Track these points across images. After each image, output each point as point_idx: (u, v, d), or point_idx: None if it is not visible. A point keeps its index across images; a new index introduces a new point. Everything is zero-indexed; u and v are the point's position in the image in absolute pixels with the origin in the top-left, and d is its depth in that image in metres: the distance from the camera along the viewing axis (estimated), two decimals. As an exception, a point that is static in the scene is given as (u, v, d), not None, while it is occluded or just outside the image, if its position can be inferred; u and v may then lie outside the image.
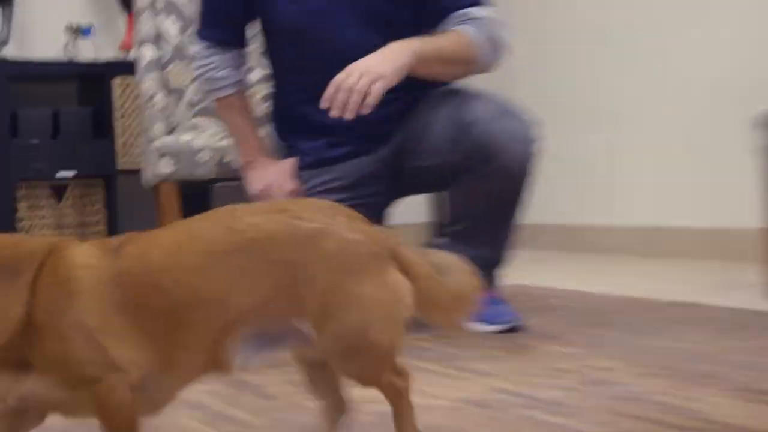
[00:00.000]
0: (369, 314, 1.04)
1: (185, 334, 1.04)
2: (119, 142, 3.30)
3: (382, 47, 1.64)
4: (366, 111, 1.60)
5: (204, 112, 2.80)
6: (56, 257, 1.05)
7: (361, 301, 1.03)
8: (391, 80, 1.60)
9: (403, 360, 1.07)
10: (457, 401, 1.28)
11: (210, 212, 1.11)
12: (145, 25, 2.74)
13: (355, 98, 1.57)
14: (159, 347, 1.05)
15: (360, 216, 1.08)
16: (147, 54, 2.70)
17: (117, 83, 3.28)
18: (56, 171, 3.28)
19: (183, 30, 2.79)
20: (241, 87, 1.91)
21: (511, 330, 1.76)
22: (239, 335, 1.05)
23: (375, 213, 1.72)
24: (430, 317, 1.11)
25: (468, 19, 1.77)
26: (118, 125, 3.30)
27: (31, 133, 3.26)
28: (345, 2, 1.78)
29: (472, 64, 1.80)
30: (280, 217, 1.06)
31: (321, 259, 1.02)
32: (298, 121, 1.87)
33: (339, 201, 1.21)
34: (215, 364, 1.06)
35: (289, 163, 1.85)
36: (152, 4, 2.76)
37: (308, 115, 1.80)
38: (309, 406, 1.19)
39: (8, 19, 3.27)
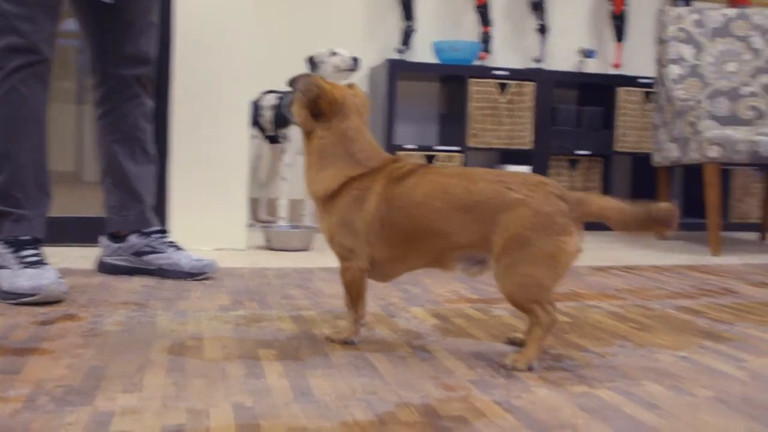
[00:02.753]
0: (532, 257, 1.19)
1: (417, 246, 1.29)
2: (617, 132, 4.03)
3: None
4: None
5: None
6: (382, 171, 1.30)
7: (530, 249, 1.19)
8: None
9: (553, 310, 1.22)
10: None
11: (463, 170, 1.31)
12: (672, 49, 3.55)
13: None
14: (397, 250, 1.29)
15: (558, 192, 1.22)
16: (674, 71, 3.49)
17: (620, 92, 4.02)
18: (575, 149, 4.01)
19: (695, 55, 3.56)
20: None
21: None
22: (457, 255, 1.29)
23: None
24: (636, 230, 1.26)
25: None
26: (618, 121, 4.04)
27: (562, 123, 4.01)
28: None
29: None
30: (498, 187, 1.23)
31: (516, 219, 1.20)
32: None
33: None
34: (439, 265, 1.31)
35: None
36: (676, 36, 3.57)
37: None
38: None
39: (543, 43, 4.15)
